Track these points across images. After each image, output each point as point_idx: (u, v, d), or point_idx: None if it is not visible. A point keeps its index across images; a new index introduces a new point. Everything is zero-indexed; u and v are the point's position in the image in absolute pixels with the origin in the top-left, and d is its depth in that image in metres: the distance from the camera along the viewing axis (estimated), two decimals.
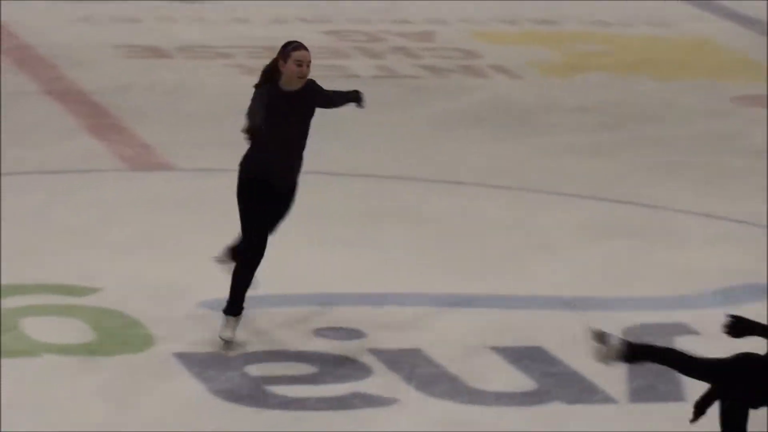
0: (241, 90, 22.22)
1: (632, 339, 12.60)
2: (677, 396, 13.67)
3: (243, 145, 20.05)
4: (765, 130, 24.60)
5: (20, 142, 21.14)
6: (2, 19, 28.76)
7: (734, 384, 12.26)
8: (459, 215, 19.35)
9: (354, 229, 18.37)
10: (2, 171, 19.84)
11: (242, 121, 16.79)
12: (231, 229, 16.03)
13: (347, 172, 21.16)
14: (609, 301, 16.29)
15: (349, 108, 18.40)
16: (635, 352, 12.23)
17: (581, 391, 13.72)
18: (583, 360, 13.73)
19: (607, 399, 13.76)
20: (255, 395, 13.29)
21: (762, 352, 11.78)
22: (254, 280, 13.57)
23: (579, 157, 22.48)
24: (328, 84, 16.64)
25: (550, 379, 13.91)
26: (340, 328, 14.74)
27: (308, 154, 19.54)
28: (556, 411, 13.40)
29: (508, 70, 28.47)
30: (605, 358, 12.21)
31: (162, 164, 21.12)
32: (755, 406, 11.90)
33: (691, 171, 22.16)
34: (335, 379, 13.65)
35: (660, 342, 14.14)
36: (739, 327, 12.16)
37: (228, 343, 13.28)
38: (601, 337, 12.15)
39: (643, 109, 26.19)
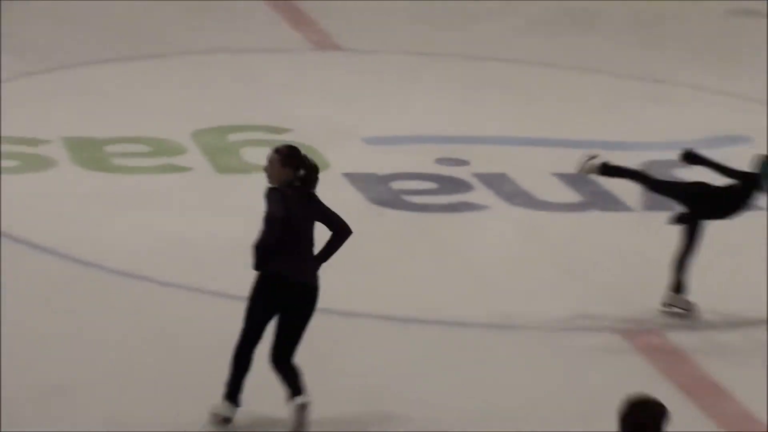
0: None
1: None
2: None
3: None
4: None
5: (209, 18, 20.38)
6: None
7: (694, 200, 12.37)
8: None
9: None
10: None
11: None
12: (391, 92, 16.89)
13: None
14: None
15: None
16: (608, 170, 12.49)
17: (612, 203, 14.31)
18: (612, 183, 14.01)
19: (627, 208, 14.30)
20: (396, 201, 14.12)
21: None
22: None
23: None
24: None
25: (591, 194, 14.46)
26: (454, 159, 15.24)
27: None
28: (594, 216, 14.18)
29: None
30: (585, 170, 12.68)
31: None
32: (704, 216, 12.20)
33: None
34: (449, 192, 14.47)
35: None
36: (692, 158, 12.42)
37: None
38: (589, 158, 12.44)
39: None
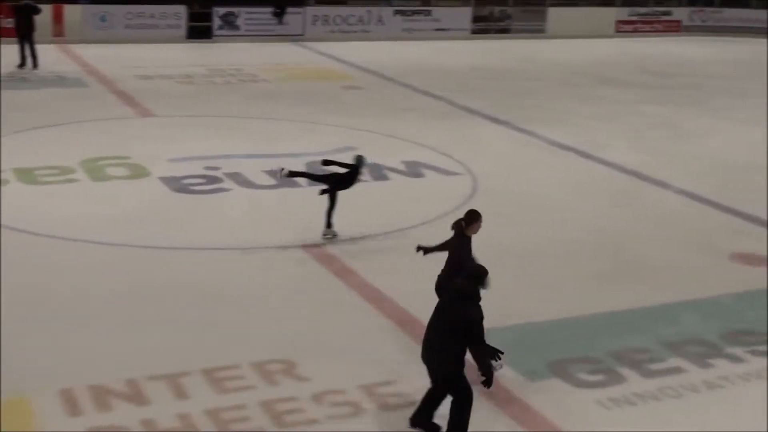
0: None
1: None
2: None
3: None
4: None
5: None
6: None
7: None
8: None
9: None
10: None
11: None
12: None
13: None
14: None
15: None
16: (292, 174, 13.38)
17: (293, 184, 15.04)
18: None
19: (300, 186, 15.04)
20: (186, 190, 15.05)
21: None
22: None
23: None
24: None
25: (282, 181, 14.95)
26: (212, 167, 16.16)
27: None
28: (283, 191, 15.19)
29: None
30: (282, 176, 13.36)
31: None
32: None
33: None
34: (212, 183, 15.40)
35: None
36: (326, 162, 13.30)
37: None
38: (281, 170, 13.35)
39: None
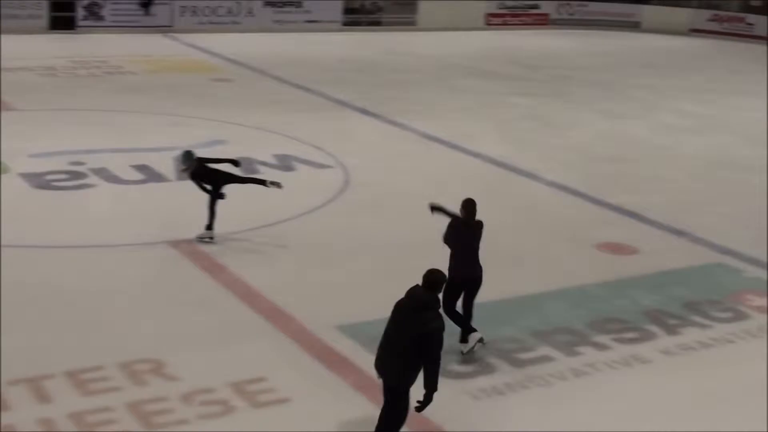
0: None
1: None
2: None
3: None
4: None
5: None
6: None
7: None
8: None
9: None
10: None
11: None
12: None
13: None
14: None
15: None
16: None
17: (160, 178, 15.24)
18: (164, 168, 15.39)
19: (168, 180, 15.19)
20: (48, 186, 14.73)
21: None
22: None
23: None
24: None
25: (150, 175, 15.44)
26: (77, 162, 15.88)
27: None
28: (152, 185, 15.08)
29: None
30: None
31: None
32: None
33: None
34: (76, 179, 15.11)
35: None
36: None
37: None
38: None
39: None
